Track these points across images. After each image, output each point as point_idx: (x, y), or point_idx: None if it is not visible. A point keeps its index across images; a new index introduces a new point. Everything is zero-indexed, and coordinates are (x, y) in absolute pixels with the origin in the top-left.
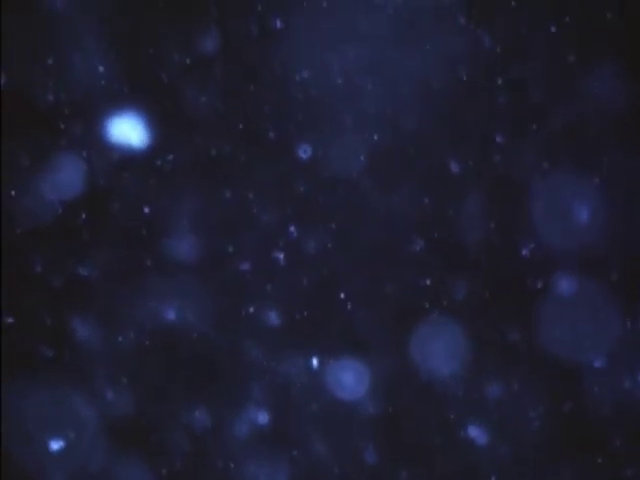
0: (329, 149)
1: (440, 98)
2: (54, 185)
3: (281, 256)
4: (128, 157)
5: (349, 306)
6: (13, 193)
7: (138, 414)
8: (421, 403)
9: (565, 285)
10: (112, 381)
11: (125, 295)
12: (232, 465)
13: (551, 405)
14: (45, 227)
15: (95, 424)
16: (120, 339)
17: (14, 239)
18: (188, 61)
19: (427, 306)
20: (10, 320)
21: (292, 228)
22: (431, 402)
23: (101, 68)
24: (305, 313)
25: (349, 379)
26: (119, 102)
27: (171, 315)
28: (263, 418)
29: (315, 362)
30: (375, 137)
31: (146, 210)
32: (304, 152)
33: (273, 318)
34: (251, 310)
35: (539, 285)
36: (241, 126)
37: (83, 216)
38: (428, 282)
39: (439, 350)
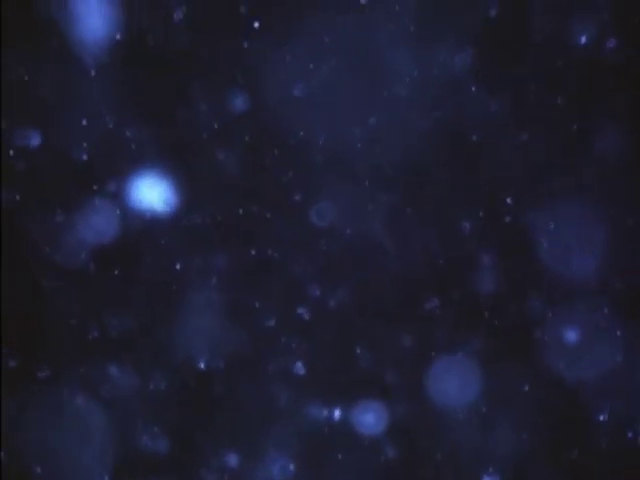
0: (349, 211)
1: (452, 160)
2: (87, 240)
3: (305, 311)
4: (159, 216)
5: (368, 357)
6: (48, 249)
7: (166, 457)
8: (438, 448)
9: (574, 336)
10: (143, 425)
11: (157, 345)
12: None
13: (563, 452)
14: (79, 280)
15: (125, 466)
16: (152, 386)
17: (50, 291)
18: (216, 125)
19: (442, 356)
20: (46, 373)
21: (315, 285)
22: (447, 448)
23: (132, 129)
24: (327, 363)
25: (369, 424)
26: (149, 162)
27: (201, 365)
28: (287, 462)
29: (337, 411)
30: (393, 198)
31: (177, 267)
32: (322, 218)
33: (299, 368)
34: (277, 360)
35: (549, 336)
36: (267, 187)
37: (116, 272)
38: (442, 334)
39: (454, 397)
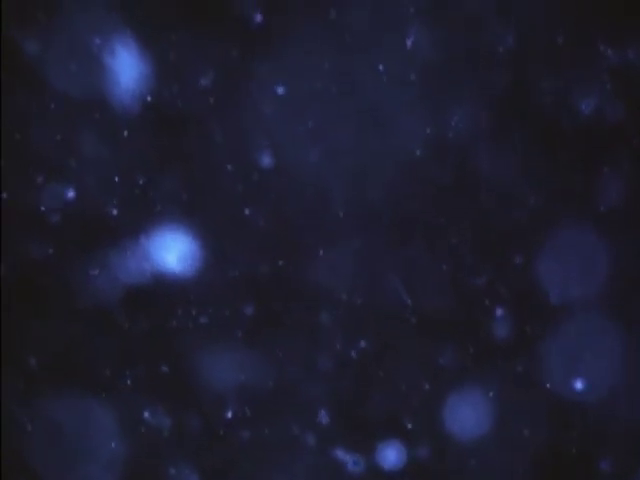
0: (368, 263)
1: (464, 216)
2: (117, 291)
3: (327, 361)
4: (186, 270)
5: (388, 403)
6: (80, 301)
7: None
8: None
9: (581, 385)
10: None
11: (186, 391)
12: None
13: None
14: (110, 331)
15: None
16: (180, 430)
17: (81, 340)
18: (241, 188)
19: (453, 391)
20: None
21: (336, 340)
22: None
23: (160, 186)
24: (348, 410)
25: (390, 464)
26: (177, 218)
27: (228, 415)
28: None
29: (353, 459)
30: (411, 252)
31: (202, 320)
32: (343, 270)
33: (322, 416)
34: (301, 405)
35: (560, 385)
36: (290, 242)
37: (142, 324)
38: (458, 380)
39: (471, 439)
